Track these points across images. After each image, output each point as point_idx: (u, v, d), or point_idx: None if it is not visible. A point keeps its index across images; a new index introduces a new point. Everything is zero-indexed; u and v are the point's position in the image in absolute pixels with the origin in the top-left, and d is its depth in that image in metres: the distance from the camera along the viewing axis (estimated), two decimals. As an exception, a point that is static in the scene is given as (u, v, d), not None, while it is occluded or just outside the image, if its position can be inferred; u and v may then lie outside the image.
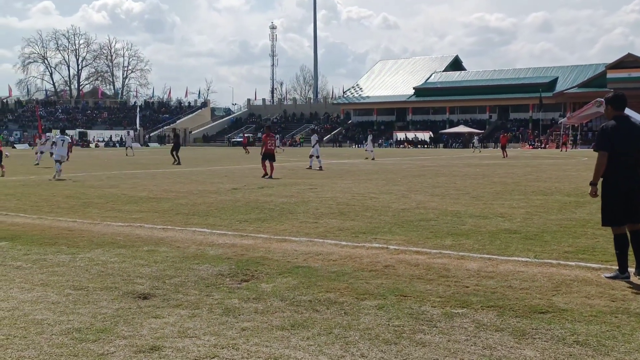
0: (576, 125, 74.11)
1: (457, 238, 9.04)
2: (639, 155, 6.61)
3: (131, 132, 68.05)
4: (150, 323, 5.07)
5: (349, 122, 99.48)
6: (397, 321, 5.12)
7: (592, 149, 6.92)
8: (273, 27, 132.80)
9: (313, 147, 28.54)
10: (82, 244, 8.73)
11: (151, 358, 4.30)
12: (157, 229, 10.02)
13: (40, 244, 8.68)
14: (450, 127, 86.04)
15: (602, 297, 5.84)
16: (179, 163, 31.84)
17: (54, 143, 23.74)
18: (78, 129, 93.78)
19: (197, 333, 4.82)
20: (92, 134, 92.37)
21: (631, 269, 6.61)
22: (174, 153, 33.30)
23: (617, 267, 6.61)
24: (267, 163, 22.05)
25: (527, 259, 7.51)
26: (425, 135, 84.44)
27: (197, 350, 4.45)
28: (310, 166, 27.75)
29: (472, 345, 4.55)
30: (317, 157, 27.76)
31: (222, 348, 4.49)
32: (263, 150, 22.49)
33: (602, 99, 65.46)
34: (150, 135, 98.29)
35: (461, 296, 5.89)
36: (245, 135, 75.84)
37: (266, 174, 21.71)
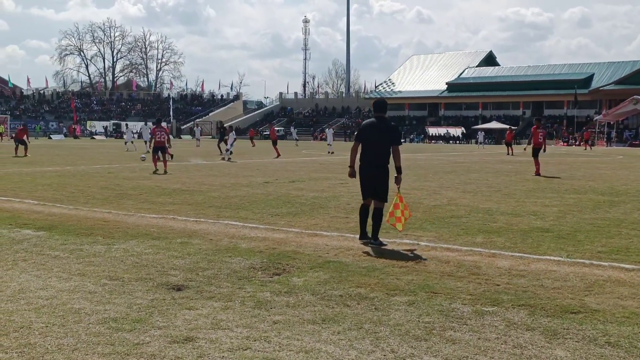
0: (612, 122, 73.03)
1: (488, 235, 9.02)
2: (389, 148, 8.30)
3: (129, 125, 62.15)
4: (184, 314, 5.17)
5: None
6: (427, 318, 5.15)
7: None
8: (306, 21, 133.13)
9: (229, 140, 31.25)
10: (117, 234, 8.90)
11: (185, 349, 4.39)
12: (190, 222, 10.15)
13: (76, 234, 8.86)
14: (482, 123, 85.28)
15: (635, 298, 5.80)
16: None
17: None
18: (112, 121, 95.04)
19: (229, 325, 4.91)
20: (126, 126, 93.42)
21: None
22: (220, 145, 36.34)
23: (361, 234, 8.46)
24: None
25: (560, 258, 7.47)
26: (457, 131, 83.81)
27: (230, 342, 4.53)
28: (227, 158, 29.43)
29: (502, 344, 4.56)
30: (227, 149, 30.44)
31: (254, 340, 4.57)
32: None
33: (638, 97, 64.03)
34: (183, 127, 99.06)
35: (492, 294, 5.89)
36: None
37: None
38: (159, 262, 7.12)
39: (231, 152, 30.45)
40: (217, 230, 9.33)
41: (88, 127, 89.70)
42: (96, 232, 9.05)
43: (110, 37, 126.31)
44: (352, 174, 8.64)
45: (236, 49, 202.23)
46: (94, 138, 78.42)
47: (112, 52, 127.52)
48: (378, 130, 8.36)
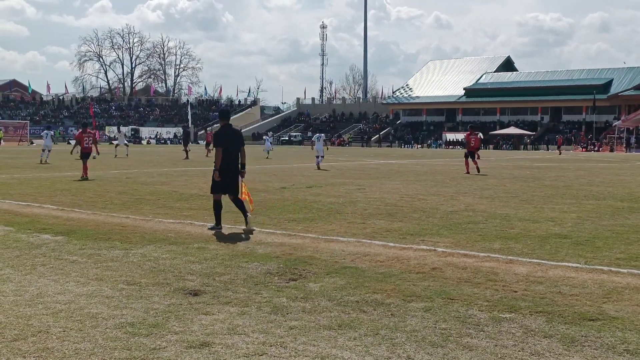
0: (631, 128, 72.39)
1: (505, 242, 8.96)
2: (238, 151, 10.07)
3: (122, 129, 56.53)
4: (200, 319, 5.19)
5: (398, 122, 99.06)
6: (444, 324, 5.13)
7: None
8: (323, 27, 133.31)
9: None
10: (135, 239, 8.95)
11: (201, 354, 4.41)
12: (207, 227, 10.18)
13: (94, 239, 8.92)
14: (500, 129, 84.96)
15: (654, 305, 5.73)
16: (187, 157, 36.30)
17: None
18: (130, 126, 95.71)
19: (246, 330, 4.91)
20: (144, 131, 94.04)
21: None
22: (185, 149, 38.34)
23: (216, 223, 9.98)
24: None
25: (578, 265, 7.41)
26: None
27: (246, 347, 4.54)
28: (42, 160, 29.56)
29: (519, 351, 4.53)
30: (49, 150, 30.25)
31: (271, 346, 4.57)
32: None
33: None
34: (200, 132, 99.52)
35: (509, 301, 5.86)
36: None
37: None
38: (176, 267, 7.15)
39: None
40: (234, 236, 9.36)
41: (107, 132, 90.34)
42: (114, 237, 9.10)
43: (129, 43, 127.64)
44: (219, 177, 9.90)
45: (254, 55, 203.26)
46: (112, 143, 78.92)
47: (131, 58, 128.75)
48: (232, 136, 10.11)
